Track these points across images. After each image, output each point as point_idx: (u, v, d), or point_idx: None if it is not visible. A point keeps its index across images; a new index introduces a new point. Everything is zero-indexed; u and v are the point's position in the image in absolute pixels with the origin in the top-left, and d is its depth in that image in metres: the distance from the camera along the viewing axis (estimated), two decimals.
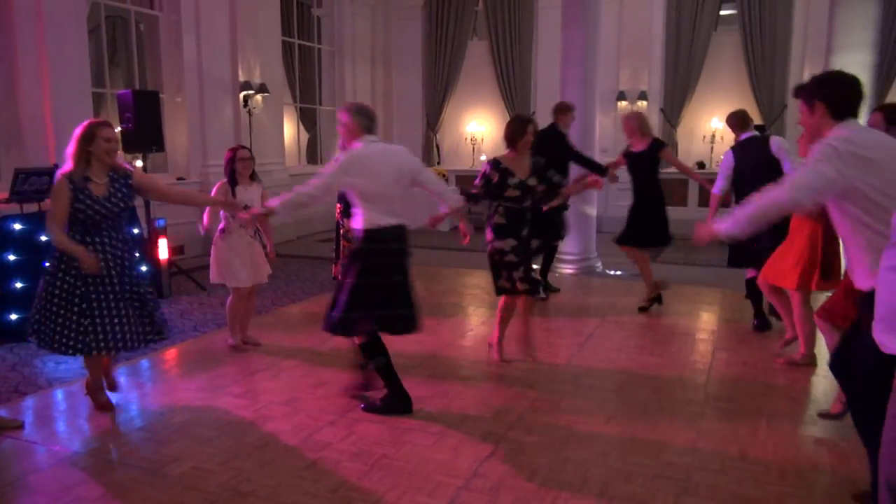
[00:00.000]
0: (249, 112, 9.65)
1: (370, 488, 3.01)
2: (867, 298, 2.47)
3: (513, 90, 12.48)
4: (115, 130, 3.83)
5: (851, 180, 2.47)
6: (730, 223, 2.79)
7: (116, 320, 3.67)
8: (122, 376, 4.50)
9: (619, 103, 11.67)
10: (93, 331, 3.62)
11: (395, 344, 5.14)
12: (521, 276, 4.39)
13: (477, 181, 4.49)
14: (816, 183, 2.51)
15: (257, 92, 9.79)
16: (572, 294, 7.08)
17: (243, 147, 5.07)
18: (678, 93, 11.69)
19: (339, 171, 3.74)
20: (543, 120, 11.42)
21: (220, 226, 4.88)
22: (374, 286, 3.75)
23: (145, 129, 6.60)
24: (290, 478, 3.10)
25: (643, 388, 4.30)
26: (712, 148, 11.48)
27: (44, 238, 5.42)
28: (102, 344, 3.64)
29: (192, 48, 9.01)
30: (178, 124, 9.16)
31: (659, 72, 11.72)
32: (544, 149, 5.92)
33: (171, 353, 5.01)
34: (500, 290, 4.52)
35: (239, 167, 4.85)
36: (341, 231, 5.88)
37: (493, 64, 12.56)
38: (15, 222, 5.21)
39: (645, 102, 11.68)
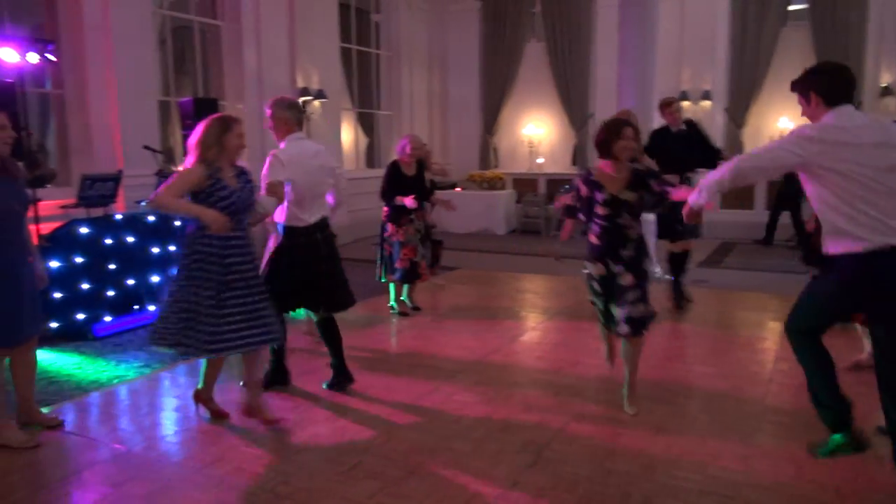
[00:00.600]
0: (307, 118, 9.83)
1: (406, 495, 3.00)
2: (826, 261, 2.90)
3: (571, 92, 12.31)
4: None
5: (811, 163, 2.73)
6: (696, 193, 3.09)
7: (241, 319, 3.52)
8: (180, 376, 4.66)
9: (680, 103, 11.32)
10: (225, 331, 3.47)
11: (442, 349, 5.17)
12: (600, 310, 4.00)
13: (569, 196, 4.04)
14: (765, 163, 2.86)
15: (315, 98, 9.98)
16: None
17: None
18: (744, 92, 11.28)
19: (278, 167, 3.84)
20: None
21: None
22: (297, 279, 4.03)
23: None
24: (328, 482, 3.11)
25: (695, 399, 4.15)
26: None
27: (154, 250, 5.79)
28: (231, 344, 3.51)
29: (252, 56, 9.27)
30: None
31: (723, 70, 11.34)
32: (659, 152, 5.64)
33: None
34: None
35: None
36: (385, 234, 5.94)
37: (551, 65, 12.42)
38: (82, 226, 5.45)
39: (709, 102, 11.32)
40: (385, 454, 3.39)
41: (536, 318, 6.15)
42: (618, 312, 3.81)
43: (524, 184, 12.78)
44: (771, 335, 5.56)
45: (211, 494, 3.01)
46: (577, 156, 12.34)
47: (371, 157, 12.93)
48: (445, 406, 4.02)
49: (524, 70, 12.80)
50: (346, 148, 12.17)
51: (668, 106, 6.24)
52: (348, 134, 12.60)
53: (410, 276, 5.99)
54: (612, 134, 3.75)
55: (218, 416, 3.86)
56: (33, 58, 5.91)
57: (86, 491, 3.09)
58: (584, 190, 3.89)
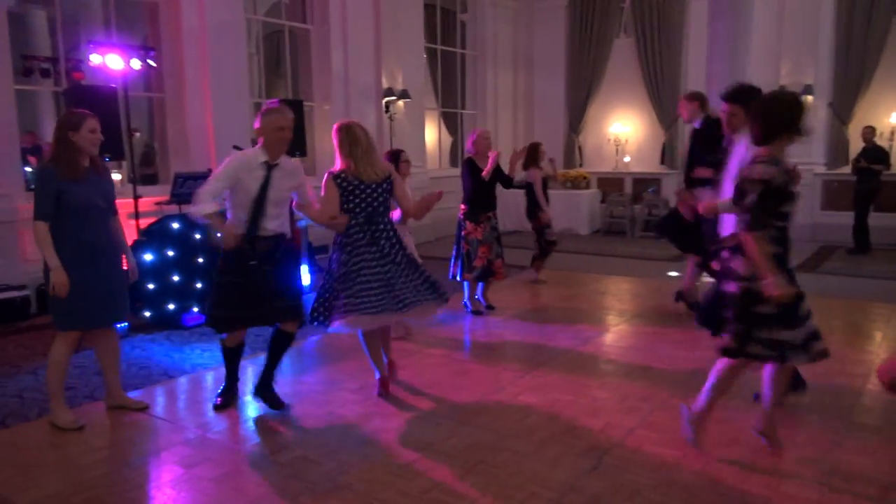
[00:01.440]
0: (391, 117, 10.01)
1: (462, 492, 3.00)
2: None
3: (660, 88, 11.93)
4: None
5: None
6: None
7: (396, 285, 3.85)
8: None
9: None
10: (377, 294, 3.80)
11: (512, 348, 5.13)
12: (767, 338, 3.06)
13: (750, 197, 2.97)
14: None
15: (399, 98, 10.14)
16: None
17: (402, 150, 5.39)
18: (850, 85, 10.54)
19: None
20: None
21: None
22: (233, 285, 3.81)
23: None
24: (387, 474, 3.17)
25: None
26: (891, 146, 10.22)
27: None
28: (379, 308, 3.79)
29: (339, 58, 9.54)
30: (326, 131, 9.70)
31: (827, 62, 10.64)
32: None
33: (298, 347, 5.30)
34: (730, 353, 3.18)
35: (402, 168, 5.18)
36: (462, 233, 5.95)
37: (640, 61, 12.08)
38: (174, 222, 5.78)
39: (810, 97, 10.65)
40: (445, 451, 3.41)
41: (612, 321, 6.00)
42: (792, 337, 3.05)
43: (609, 183, 12.50)
44: (868, 345, 5.19)
45: (274, 480, 3.13)
46: (666, 154, 11.95)
47: (454, 157, 13.01)
48: (510, 406, 4.00)
49: (612, 67, 12.51)
50: (430, 147, 12.31)
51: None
52: (432, 133, 12.73)
53: (486, 274, 6.00)
54: (799, 108, 3.06)
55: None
56: (136, 64, 6.33)
57: (161, 471, 3.29)
58: (780, 180, 2.97)
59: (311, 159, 9.70)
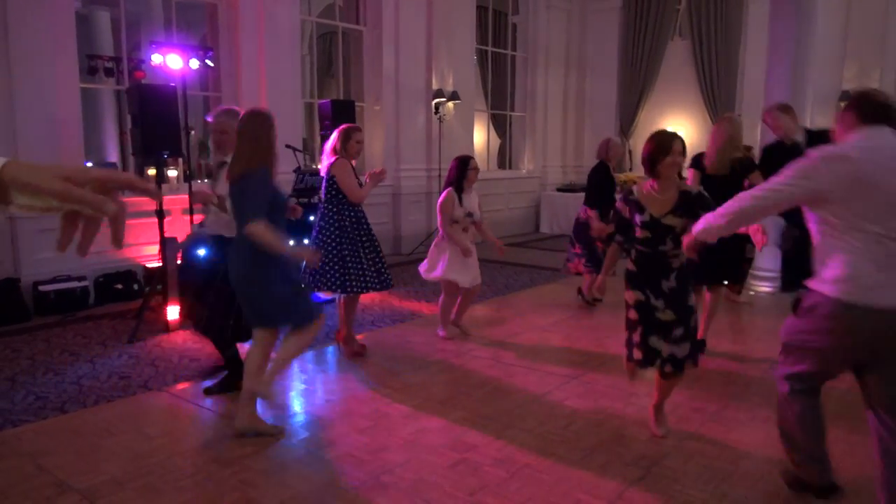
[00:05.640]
0: (440, 119, 10.03)
1: (507, 496, 2.97)
2: None
3: (715, 91, 11.66)
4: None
5: None
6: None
7: (367, 266, 4.70)
8: (308, 362, 4.92)
9: (842, 104, 10.38)
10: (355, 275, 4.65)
11: (557, 353, 5.07)
12: (637, 342, 3.48)
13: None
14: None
15: (449, 99, 10.15)
16: (764, 313, 6.42)
17: (472, 157, 5.28)
18: None
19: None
20: (751, 123, 10.55)
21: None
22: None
23: None
24: (432, 475, 3.16)
25: (834, 425, 3.76)
26: None
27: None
28: (360, 286, 4.66)
29: (390, 59, 9.60)
30: (376, 131, 9.79)
31: (895, 65, 10.23)
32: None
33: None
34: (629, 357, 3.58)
35: (471, 176, 5.11)
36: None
37: (695, 63, 11.83)
38: None
39: None
40: (491, 453, 3.39)
41: None
42: (663, 348, 3.41)
43: None
44: None
45: (321, 476, 3.16)
46: None
47: (502, 159, 12.96)
48: (556, 411, 3.95)
49: (665, 69, 12.29)
50: (479, 148, 12.30)
51: (766, 112, 5.25)
52: (480, 135, 12.71)
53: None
54: (659, 150, 3.32)
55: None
56: (194, 64, 6.48)
57: (212, 460, 3.34)
58: (625, 211, 3.49)
59: (361, 158, 9.78)
